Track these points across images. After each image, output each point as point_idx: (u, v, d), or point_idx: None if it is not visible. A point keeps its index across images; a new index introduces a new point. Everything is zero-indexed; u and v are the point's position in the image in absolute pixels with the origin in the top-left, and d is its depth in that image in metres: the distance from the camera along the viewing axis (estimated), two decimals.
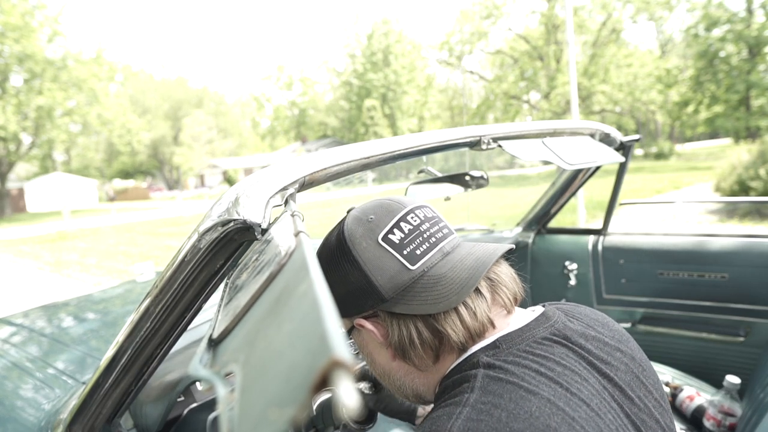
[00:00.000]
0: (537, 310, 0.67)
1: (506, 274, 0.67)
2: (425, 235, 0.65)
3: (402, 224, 0.65)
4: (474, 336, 0.61)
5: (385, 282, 0.62)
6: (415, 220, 0.66)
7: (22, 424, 1.09)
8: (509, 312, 0.65)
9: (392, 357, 0.67)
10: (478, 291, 0.62)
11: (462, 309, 0.61)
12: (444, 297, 0.60)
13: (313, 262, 0.36)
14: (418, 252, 0.63)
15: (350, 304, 0.66)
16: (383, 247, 0.63)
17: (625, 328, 1.18)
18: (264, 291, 0.42)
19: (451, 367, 0.63)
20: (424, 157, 1.25)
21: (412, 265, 0.62)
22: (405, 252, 0.63)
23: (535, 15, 26.02)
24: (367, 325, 0.66)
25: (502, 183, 18.58)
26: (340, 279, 0.65)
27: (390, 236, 0.64)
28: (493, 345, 0.61)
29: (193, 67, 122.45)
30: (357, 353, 0.79)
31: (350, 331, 0.70)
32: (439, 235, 0.66)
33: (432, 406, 0.66)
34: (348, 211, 0.71)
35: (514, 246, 0.69)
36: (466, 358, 0.61)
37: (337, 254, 0.66)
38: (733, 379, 1.38)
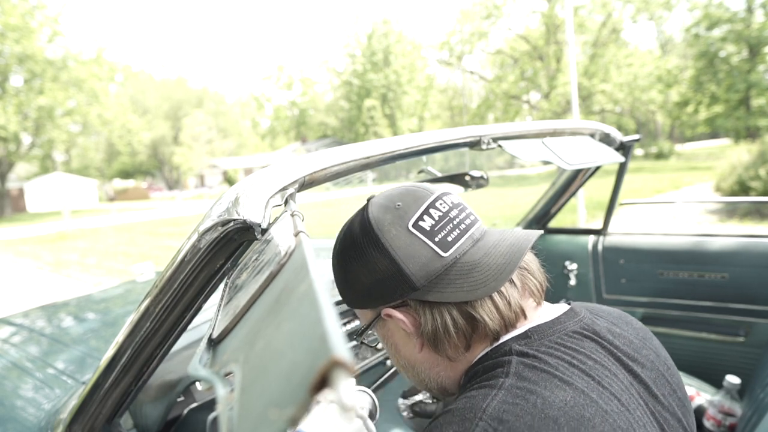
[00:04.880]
0: (563, 306, 0.67)
1: (534, 262, 0.66)
2: (455, 222, 0.63)
3: (431, 210, 0.63)
4: (508, 325, 0.61)
5: (417, 270, 0.60)
6: (443, 207, 0.64)
7: (22, 424, 1.09)
8: (538, 303, 0.65)
9: (420, 348, 0.65)
10: (510, 279, 0.62)
11: (497, 297, 0.60)
12: (481, 284, 0.59)
13: (313, 262, 0.36)
14: (449, 239, 0.62)
15: (377, 293, 0.64)
16: (414, 234, 0.62)
17: None
18: (264, 291, 0.42)
19: (480, 355, 0.62)
20: (424, 157, 1.25)
21: (445, 252, 0.61)
22: (436, 239, 0.61)
23: (536, 15, 26.03)
24: (397, 314, 0.63)
25: (502, 183, 18.58)
26: (367, 268, 0.63)
27: (420, 223, 0.62)
28: (525, 335, 0.60)
29: (193, 67, 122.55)
30: (376, 345, 0.78)
31: (373, 323, 0.68)
32: (468, 221, 0.65)
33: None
34: (368, 200, 0.69)
35: (542, 231, 0.69)
36: (497, 346, 0.61)
37: (363, 242, 0.64)
38: (733, 379, 1.38)
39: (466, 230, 0.63)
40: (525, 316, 0.62)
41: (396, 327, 0.66)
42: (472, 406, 0.52)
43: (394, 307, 0.64)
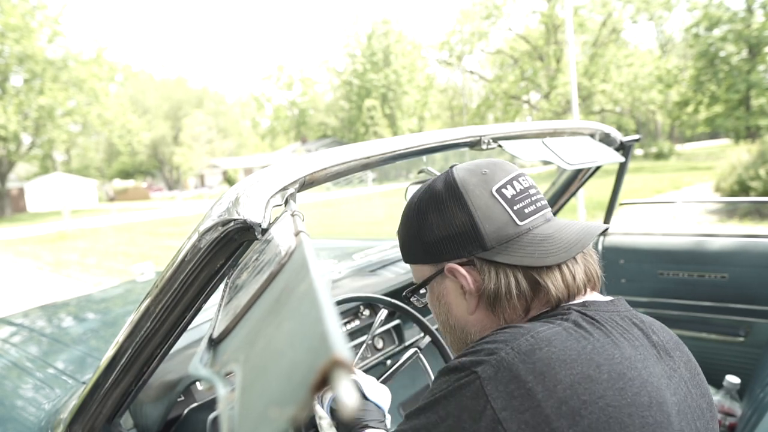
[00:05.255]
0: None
1: (594, 252, 0.70)
2: (533, 198, 0.68)
3: (515, 183, 0.67)
4: (570, 296, 0.64)
5: (492, 231, 0.64)
6: (525, 183, 0.68)
7: (22, 424, 1.09)
8: (593, 289, 0.68)
9: (474, 308, 0.67)
10: (574, 258, 0.65)
11: (564, 268, 0.64)
12: (552, 253, 0.63)
13: (314, 261, 0.36)
14: (526, 211, 0.66)
15: (446, 248, 0.67)
16: (496, 198, 0.65)
17: None
18: (264, 291, 0.42)
19: (538, 313, 0.64)
20: (424, 157, 1.25)
21: (521, 221, 0.65)
22: (515, 207, 0.65)
23: (535, 15, 26.01)
24: (461, 270, 0.66)
25: None
26: (443, 221, 0.67)
27: (503, 190, 0.66)
28: (582, 304, 0.63)
29: (193, 67, 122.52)
30: (424, 306, 0.78)
31: (431, 278, 0.70)
32: (543, 202, 0.69)
33: None
34: (451, 167, 0.72)
35: (608, 226, 0.71)
36: (556, 306, 0.64)
37: (445, 197, 0.67)
38: (733, 379, 1.38)
39: (540, 209, 0.68)
40: (584, 293, 0.66)
41: (454, 285, 0.68)
42: (527, 327, 0.56)
43: (459, 264, 0.66)
